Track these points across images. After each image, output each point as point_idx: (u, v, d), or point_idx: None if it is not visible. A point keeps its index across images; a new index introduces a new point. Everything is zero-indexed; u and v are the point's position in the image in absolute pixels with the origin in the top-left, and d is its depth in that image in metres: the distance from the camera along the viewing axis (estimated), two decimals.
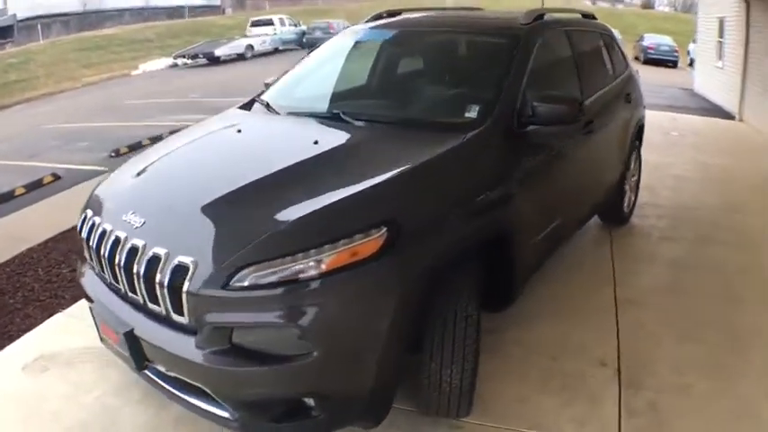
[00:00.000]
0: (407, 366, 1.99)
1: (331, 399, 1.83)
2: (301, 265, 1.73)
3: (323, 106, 2.91)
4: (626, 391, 2.47)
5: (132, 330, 1.94)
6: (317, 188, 2.01)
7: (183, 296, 1.78)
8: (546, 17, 3.13)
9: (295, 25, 27.07)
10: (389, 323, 1.81)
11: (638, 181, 4.58)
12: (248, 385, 1.81)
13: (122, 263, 1.94)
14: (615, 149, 3.84)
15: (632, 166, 4.29)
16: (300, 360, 1.74)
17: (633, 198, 4.48)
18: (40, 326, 3.09)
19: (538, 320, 2.98)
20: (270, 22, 25.94)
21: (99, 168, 7.00)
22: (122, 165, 2.62)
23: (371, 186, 1.99)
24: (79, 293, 2.81)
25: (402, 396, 2.06)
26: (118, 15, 34.10)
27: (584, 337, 2.86)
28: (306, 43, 24.47)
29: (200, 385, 1.87)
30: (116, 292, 2.07)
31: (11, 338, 3.05)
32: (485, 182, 2.29)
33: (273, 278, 1.72)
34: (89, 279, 2.28)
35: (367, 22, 3.53)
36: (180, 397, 1.98)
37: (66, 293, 3.72)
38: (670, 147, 7.21)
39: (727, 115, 10.48)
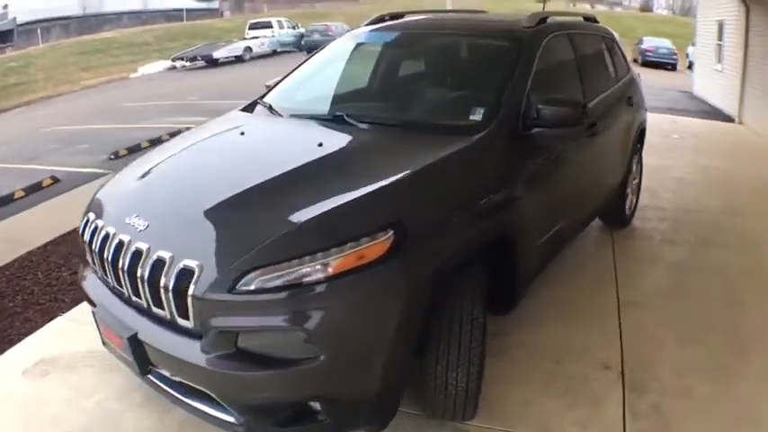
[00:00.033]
0: (413, 369, 1.98)
1: (337, 402, 1.82)
2: (308, 269, 1.71)
3: (326, 108, 2.90)
4: (630, 393, 2.47)
5: (136, 334, 1.92)
6: (322, 191, 1.99)
7: (189, 300, 1.76)
8: (549, 20, 3.13)
9: (293, 28, 27.13)
10: (396, 326, 1.80)
11: (639, 183, 4.58)
12: (254, 389, 1.79)
13: (126, 266, 1.92)
14: (617, 152, 3.83)
15: (634, 168, 4.30)
16: (307, 364, 1.72)
17: (635, 200, 4.48)
18: (41, 330, 3.07)
19: (541, 323, 2.97)
20: (268, 25, 26.01)
21: (98, 171, 7.02)
22: (124, 168, 2.61)
23: (377, 189, 1.97)
24: (79, 296, 2.80)
25: (407, 399, 2.05)
26: (116, 19, 34.20)
27: (588, 340, 2.86)
28: (304, 46, 24.54)
29: (205, 389, 1.85)
30: (119, 295, 2.05)
31: (11, 342, 3.03)
32: (490, 184, 2.28)
33: (280, 282, 1.71)
34: (91, 282, 2.26)
35: (369, 24, 3.52)
36: (184, 401, 1.96)
37: (66, 297, 3.71)
38: (670, 149, 7.21)
39: (727, 118, 10.51)
